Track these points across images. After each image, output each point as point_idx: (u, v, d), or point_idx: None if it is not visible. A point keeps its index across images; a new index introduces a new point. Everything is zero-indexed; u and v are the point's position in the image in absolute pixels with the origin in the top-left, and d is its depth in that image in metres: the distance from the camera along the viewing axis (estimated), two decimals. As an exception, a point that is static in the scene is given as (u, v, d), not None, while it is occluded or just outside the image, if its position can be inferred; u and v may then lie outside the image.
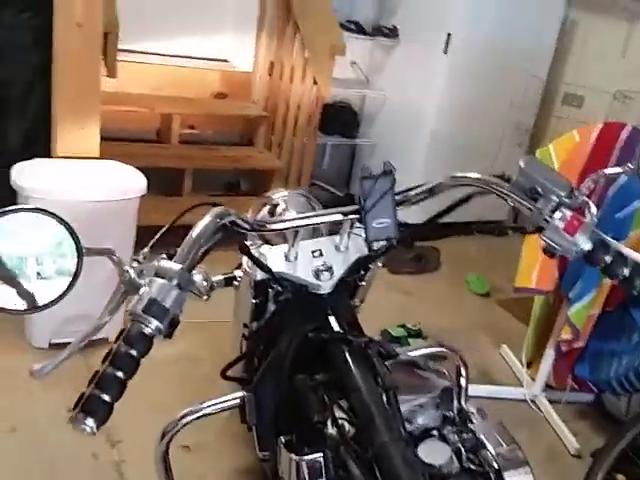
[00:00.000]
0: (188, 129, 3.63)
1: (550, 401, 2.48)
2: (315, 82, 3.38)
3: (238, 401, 1.30)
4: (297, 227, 1.11)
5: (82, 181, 2.15)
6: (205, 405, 1.30)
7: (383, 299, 3.04)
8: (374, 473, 1.02)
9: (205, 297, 1.37)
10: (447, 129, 3.77)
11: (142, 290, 0.83)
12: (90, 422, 0.75)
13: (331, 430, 1.09)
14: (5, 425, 1.91)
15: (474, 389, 2.46)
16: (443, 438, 1.18)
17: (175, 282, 0.85)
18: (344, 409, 1.11)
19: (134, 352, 0.80)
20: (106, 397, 0.77)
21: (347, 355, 1.15)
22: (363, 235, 1.21)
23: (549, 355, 2.46)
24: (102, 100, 2.49)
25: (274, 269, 1.19)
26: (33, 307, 0.79)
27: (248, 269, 1.23)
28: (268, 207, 1.44)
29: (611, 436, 2.09)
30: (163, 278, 0.85)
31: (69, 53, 2.29)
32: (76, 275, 0.80)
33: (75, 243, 0.79)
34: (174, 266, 0.86)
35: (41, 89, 2.46)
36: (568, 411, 2.47)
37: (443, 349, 1.53)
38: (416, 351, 1.47)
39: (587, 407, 2.53)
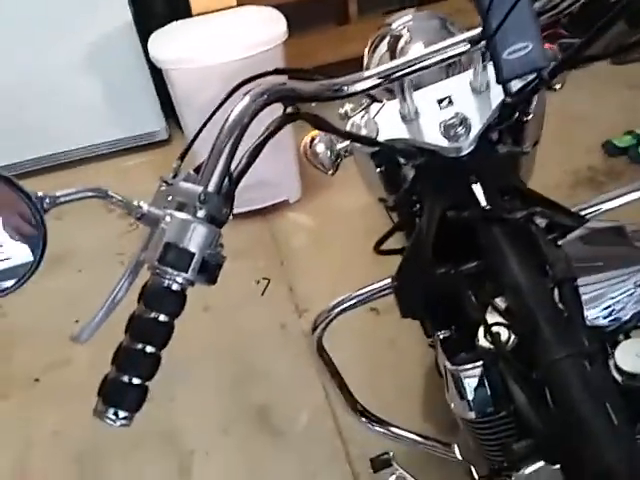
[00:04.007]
0: None
1: None
2: None
3: (390, 289, 1.09)
4: (393, 80, 0.78)
5: (217, 40, 1.93)
6: (355, 294, 1.15)
7: (602, 101, 2.47)
8: (544, 397, 0.76)
9: (330, 172, 1.13)
10: None
11: (158, 230, 0.62)
12: (121, 413, 0.60)
13: (483, 341, 0.83)
14: (199, 305, 1.94)
15: None
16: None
17: (202, 214, 0.62)
18: (500, 311, 0.84)
19: (161, 316, 0.61)
20: (135, 379, 0.60)
21: (498, 238, 0.85)
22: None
23: None
24: None
25: (386, 137, 0.89)
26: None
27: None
28: (388, 39, 1.10)
29: None
30: (183, 210, 0.62)
31: None
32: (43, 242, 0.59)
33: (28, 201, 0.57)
34: (194, 190, 0.62)
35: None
36: None
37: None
38: (625, 196, 1.09)
39: None
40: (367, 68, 1.10)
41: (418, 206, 1.03)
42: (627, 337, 0.88)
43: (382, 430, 1.31)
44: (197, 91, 1.89)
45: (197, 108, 1.91)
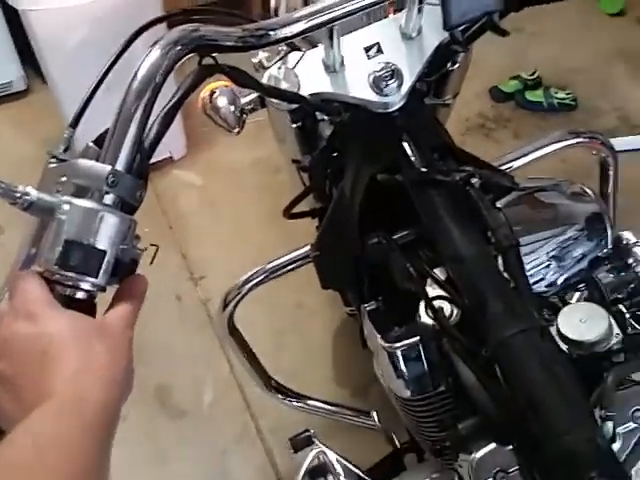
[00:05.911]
0: None
1: None
2: None
3: (307, 258, 1.01)
4: (327, 22, 0.66)
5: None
6: (268, 267, 1.05)
7: (488, 45, 2.44)
8: (495, 375, 0.70)
9: (236, 130, 0.99)
10: None
11: (54, 223, 0.48)
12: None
13: (425, 317, 0.77)
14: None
15: (618, 142, 1.93)
16: (597, 292, 0.83)
17: (110, 199, 0.49)
18: (441, 283, 0.77)
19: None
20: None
21: (436, 202, 0.78)
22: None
23: None
24: None
25: (309, 90, 0.78)
26: None
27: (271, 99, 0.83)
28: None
29: None
30: (85, 196, 0.49)
31: None
32: None
33: None
34: (99, 170, 0.49)
35: None
36: None
37: (578, 138, 1.10)
38: (537, 151, 1.06)
39: None
40: (276, 9, 0.96)
41: (335, 167, 0.94)
42: (564, 303, 0.85)
43: (299, 404, 1.24)
44: (61, 35, 1.66)
45: (62, 54, 1.68)
